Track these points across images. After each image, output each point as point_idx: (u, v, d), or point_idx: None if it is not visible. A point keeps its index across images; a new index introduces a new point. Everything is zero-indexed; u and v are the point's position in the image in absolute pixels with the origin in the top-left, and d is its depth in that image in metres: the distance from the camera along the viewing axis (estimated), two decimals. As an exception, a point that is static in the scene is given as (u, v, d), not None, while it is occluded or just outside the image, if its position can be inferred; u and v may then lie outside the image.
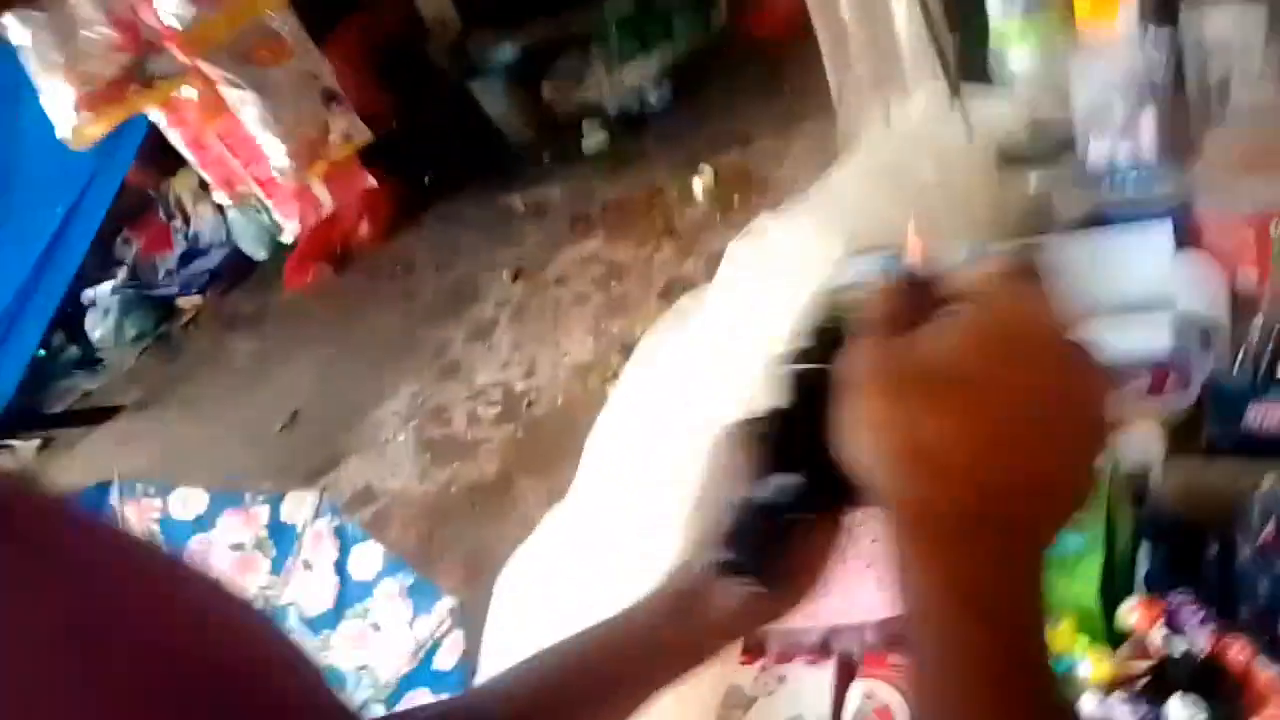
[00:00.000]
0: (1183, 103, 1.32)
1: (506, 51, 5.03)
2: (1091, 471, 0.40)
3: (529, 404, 2.96)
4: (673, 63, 4.96)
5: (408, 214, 4.63)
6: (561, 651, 0.57)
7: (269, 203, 2.47)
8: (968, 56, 1.65)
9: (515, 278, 3.60)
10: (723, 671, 1.00)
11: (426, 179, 4.88)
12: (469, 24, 5.78)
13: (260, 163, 2.41)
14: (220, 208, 5.19)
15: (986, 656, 0.38)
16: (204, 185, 5.60)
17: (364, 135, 2.57)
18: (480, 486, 2.73)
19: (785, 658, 1.00)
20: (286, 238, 2.70)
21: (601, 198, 3.85)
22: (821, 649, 1.01)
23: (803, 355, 0.45)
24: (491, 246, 3.89)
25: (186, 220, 5.62)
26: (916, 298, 0.40)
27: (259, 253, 5.05)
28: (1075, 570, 0.86)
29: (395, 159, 4.92)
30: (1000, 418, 0.36)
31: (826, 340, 0.43)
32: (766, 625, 0.55)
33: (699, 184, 3.55)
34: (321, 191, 2.49)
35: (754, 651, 1.02)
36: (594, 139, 4.46)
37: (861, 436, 0.38)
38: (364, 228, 4.60)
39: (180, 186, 5.45)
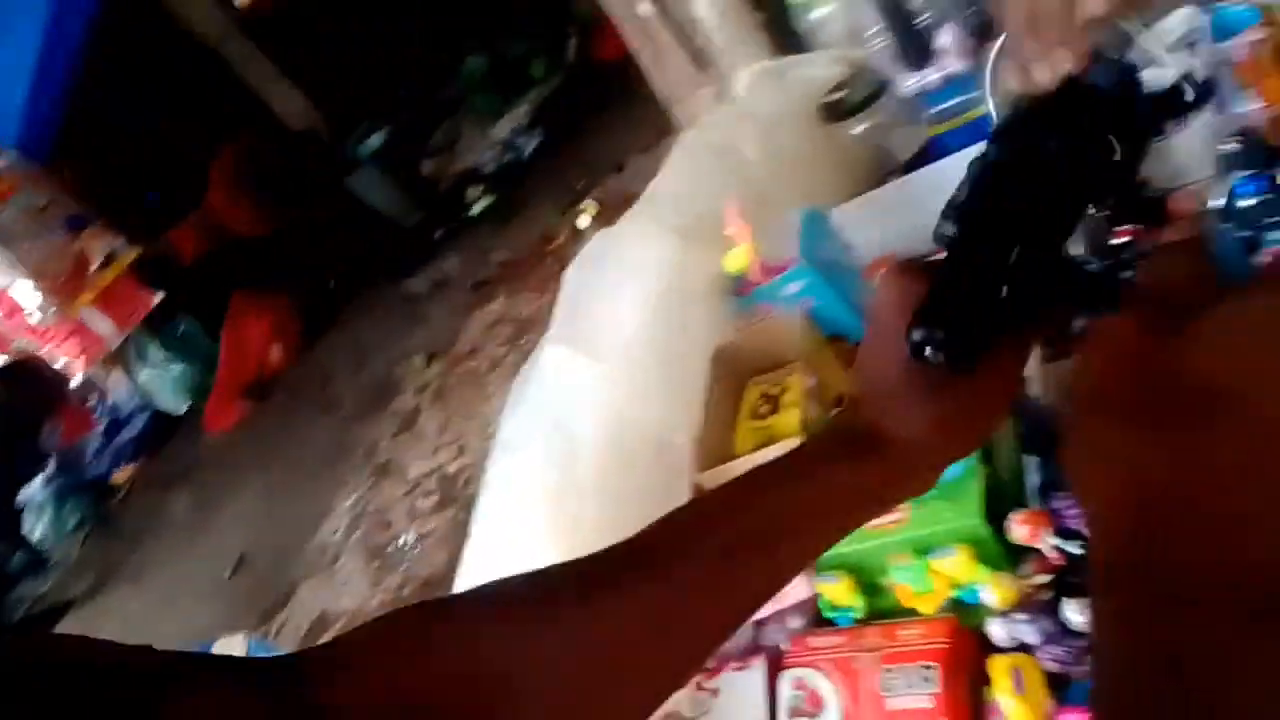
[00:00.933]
0: (978, 12, 1.33)
1: (375, 140, 5.03)
2: None
3: (465, 483, 2.91)
4: (537, 108, 4.99)
5: (318, 325, 4.58)
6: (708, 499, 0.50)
7: (45, 349, 2.37)
8: (776, 25, 1.66)
9: (429, 361, 3.56)
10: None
11: (330, 284, 4.85)
12: (335, 125, 5.79)
13: (18, 313, 2.31)
14: (130, 374, 5.09)
15: None
16: (108, 358, 5.51)
17: (129, 253, 2.48)
18: (432, 580, 2.67)
19: (715, 670, 0.96)
20: (75, 381, 2.63)
21: (496, 258, 3.83)
22: (751, 650, 0.97)
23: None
24: (401, 335, 3.85)
25: (102, 395, 5.50)
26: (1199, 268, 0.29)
27: (179, 406, 4.95)
28: (958, 498, 0.83)
29: (296, 274, 4.88)
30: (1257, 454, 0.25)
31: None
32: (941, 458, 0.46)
33: (585, 219, 3.55)
34: (101, 322, 2.42)
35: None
36: (480, 202, 4.46)
37: (1087, 464, 0.28)
38: (276, 352, 4.54)
39: (86, 363, 5.34)
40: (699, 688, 0.94)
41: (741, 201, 1.14)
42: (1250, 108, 1.05)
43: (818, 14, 1.58)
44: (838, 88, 1.44)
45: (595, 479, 1.02)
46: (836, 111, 1.43)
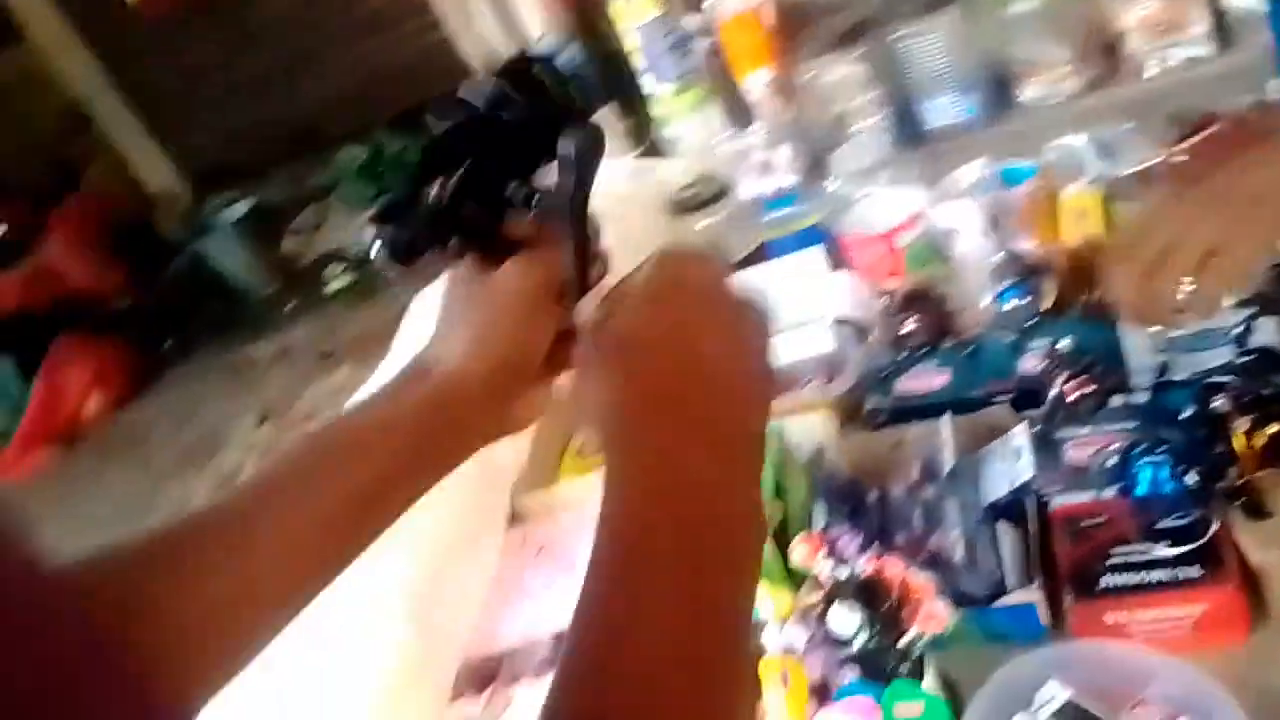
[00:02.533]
0: (807, 135, 1.52)
1: (238, 209, 4.96)
2: (766, 396, 0.49)
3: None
4: (410, 202, 5.07)
5: (143, 382, 4.37)
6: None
7: None
8: (639, 132, 1.82)
9: (261, 421, 3.46)
10: (455, 705, 0.98)
11: (165, 345, 4.66)
12: (200, 190, 5.68)
13: None
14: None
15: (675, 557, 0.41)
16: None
17: None
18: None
19: (512, 679, 0.99)
20: None
21: (347, 333, 3.80)
22: (549, 662, 1.01)
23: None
24: (235, 397, 3.73)
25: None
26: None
27: (-28, 449, 4.56)
28: (749, 525, 0.92)
29: (129, 330, 4.68)
30: (695, 347, 0.46)
31: None
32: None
33: (442, 306, 3.58)
34: None
35: (484, 679, 1.00)
36: (336, 281, 4.44)
37: (589, 391, 0.48)
38: (93, 403, 4.29)
39: None
40: (493, 693, 0.97)
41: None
42: (1025, 246, 1.25)
43: (675, 126, 1.76)
44: (688, 187, 1.60)
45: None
46: (684, 207, 1.58)
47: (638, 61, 1.70)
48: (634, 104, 1.76)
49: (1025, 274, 1.07)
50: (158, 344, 4.64)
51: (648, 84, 1.72)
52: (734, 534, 0.44)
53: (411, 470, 0.55)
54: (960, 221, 1.27)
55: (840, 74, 1.57)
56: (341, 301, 4.26)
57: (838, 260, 1.39)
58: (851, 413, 1.22)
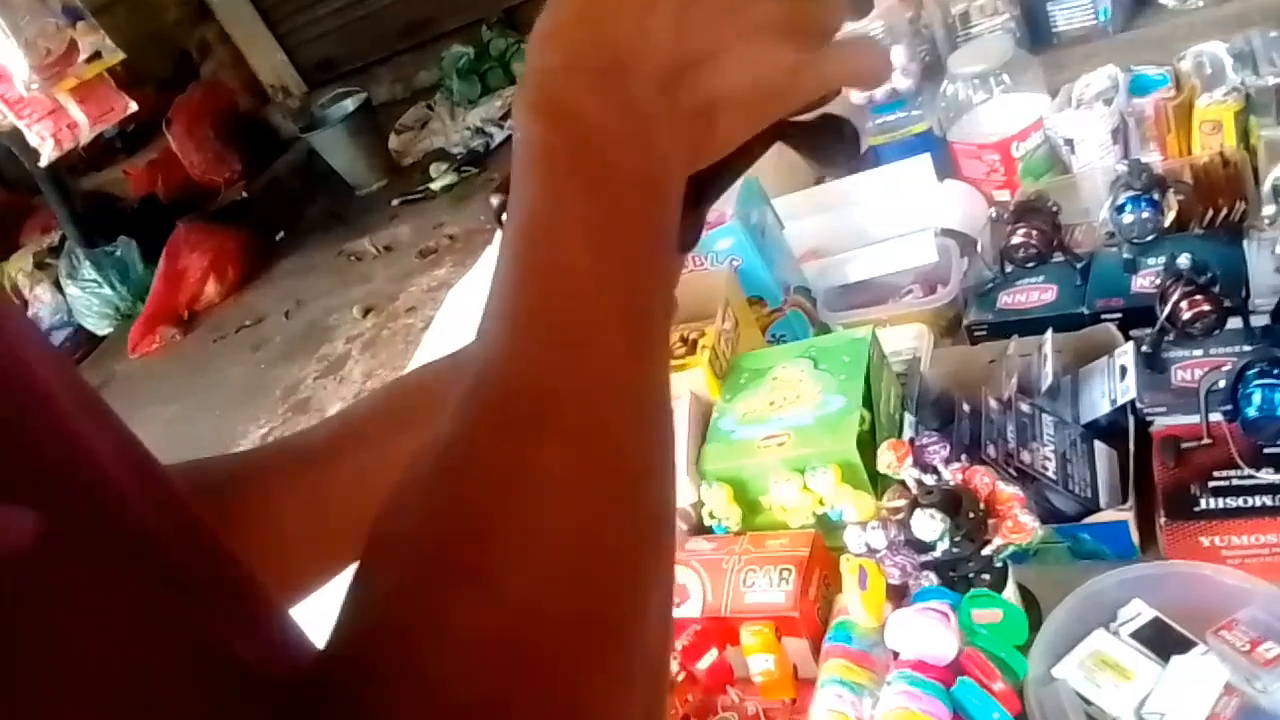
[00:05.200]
0: (925, 35, 1.45)
1: (347, 105, 5.04)
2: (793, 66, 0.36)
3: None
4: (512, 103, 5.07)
5: (257, 271, 4.56)
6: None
7: (21, 124, 2.36)
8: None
9: (365, 314, 3.58)
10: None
11: (278, 236, 4.83)
12: (311, 84, 5.79)
13: (4, 80, 2.31)
14: (59, 287, 4.98)
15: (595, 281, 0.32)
16: (40, 266, 5.38)
17: (115, 55, 2.49)
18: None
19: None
20: (44, 160, 2.60)
21: (448, 229, 3.88)
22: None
23: None
24: (341, 289, 3.87)
25: (25, 305, 5.36)
26: None
27: (102, 328, 4.86)
28: (838, 427, 0.92)
29: (245, 218, 4.86)
30: None
31: None
32: None
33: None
34: (76, 111, 2.42)
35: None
36: (442, 180, 4.50)
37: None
38: (211, 288, 4.50)
39: (14, 270, 5.20)
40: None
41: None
42: (1151, 158, 1.18)
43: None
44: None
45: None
46: (791, 111, 1.54)
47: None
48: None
49: (1149, 187, 1.01)
50: (270, 235, 4.82)
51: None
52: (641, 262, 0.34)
53: None
54: (1082, 131, 1.21)
55: (969, -30, 1.49)
56: (444, 200, 4.33)
57: (947, 169, 1.35)
58: (950, 326, 1.20)
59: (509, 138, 4.65)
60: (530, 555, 0.28)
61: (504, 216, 0.43)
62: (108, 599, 0.23)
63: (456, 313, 1.17)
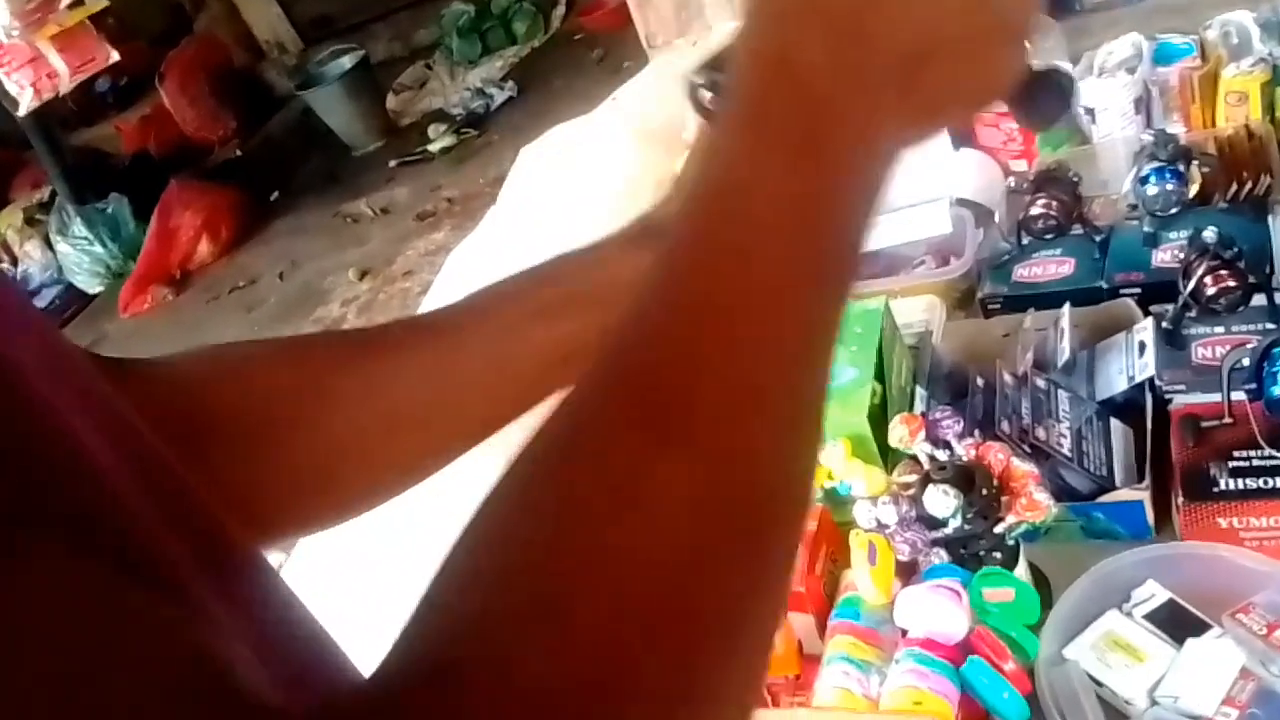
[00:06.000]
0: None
1: (344, 63, 4.96)
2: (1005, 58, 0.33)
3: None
4: (514, 64, 4.99)
5: (251, 230, 4.50)
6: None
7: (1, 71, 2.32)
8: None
9: (362, 276, 3.54)
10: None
11: (272, 196, 4.77)
12: (307, 41, 5.69)
13: None
14: (49, 243, 4.92)
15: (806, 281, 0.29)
16: (30, 222, 5.31)
17: (98, 2, 2.43)
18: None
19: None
20: (22, 109, 2.55)
21: (446, 192, 3.83)
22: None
23: None
24: (337, 251, 3.82)
25: (15, 262, 5.30)
26: None
27: (93, 286, 4.80)
28: (849, 399, 0.90)
29: (238, 177, 4.80)
30: None
31: None
32: None
33: (542, 171, 3.57)
34: (56, 59, 2.37)
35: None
36: (440, 141, 4.44)
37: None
38: (204, 247, 4.44)
39: (3, 226, 5.13)
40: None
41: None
42: (1175, 129, 1.15)
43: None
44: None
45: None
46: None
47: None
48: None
49: (1172, 158, 0.99)
50: (265, 194, 4.75)
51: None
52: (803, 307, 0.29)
53: None
54: (1105, 100, 1.17)
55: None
56: (442, 162, 4.28)
57: (963, 137, 1.32)
58: (964, 299, 1.17)
59: (510, 99, 4.59)
60: (623, 596, 0.24)
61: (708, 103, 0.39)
62: (73, 603, 0.20)
63: (455, 278, 1.14)
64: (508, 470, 0.26)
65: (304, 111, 5.06)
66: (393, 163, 4.45)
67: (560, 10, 5.17)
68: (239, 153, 5.10)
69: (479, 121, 4.52)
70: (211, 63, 5.31)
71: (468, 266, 1.15)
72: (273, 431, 0.43)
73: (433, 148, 4.40)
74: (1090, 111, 1.17)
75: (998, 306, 1.11)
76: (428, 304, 1.38)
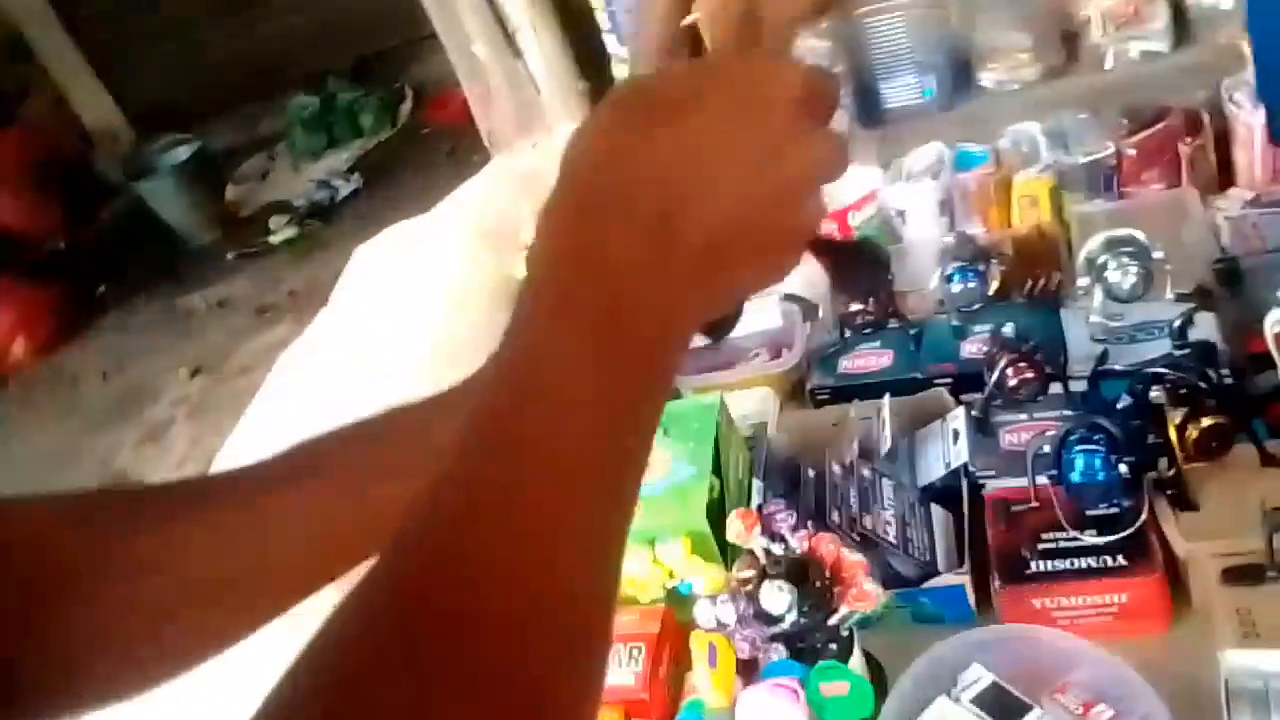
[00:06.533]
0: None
1: (181, 152, 4.80)
2: (796, 237, 0.35)
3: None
4: (360, 156, 4.95)
5: (74, 327, 4.23)
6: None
7: None
8: (597, 93, 1.78)
9: (194, 374, 3.37)
10: None
11: (99, 290, 4.51)
12: (142, 130, 5.48)
13: None
14: None
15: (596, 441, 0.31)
16: None
17: None
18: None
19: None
20: None
21: (288, 285, 3.71)
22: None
23: None
24: (168, 348, 3.63)
25: None
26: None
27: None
28: (687, 496, 0.91)
29: (62, 273, 4.51)
30: (718, 154, 0.32)
31: None
32: None
33: (389, 264, 3.52)
34: None
35: None
36: (283, 233, 4.33)
37: (577, 139, 0.33)
38: (19, 347, 4.13)
39: None
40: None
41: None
42: (976, 230, 1.24)
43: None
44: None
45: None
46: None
47: (602, 22, 1.66)
48: (601, 71, 1.72)
49: (974, 257, 1.06)
50: (91, 289, 4.49)
51: (611, 45, 1.68)
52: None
53: None
54: (913, 203, 1.26)
55: (802, 48, 1.55)
56: (284, 254, 4.16)
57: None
58: (795, 390, 1.21)
59: (355, 191, 4.54)
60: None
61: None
62: None
63: (287, 377, 1.10)
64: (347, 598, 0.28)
65: (136, 202, 4.84)
66: (231, 255, 4.29)
67: (408, 105, 5.19)
68: (64, 245, 4.81)
69: (324, 213, 4.44)
70: (36, 152, 5.03)
71: (299, 366, 1.11)
72: (42, 606, 0.40)
73: (274, 239, 4.28)
74: (901, 213, 1.26)
75: (826, 397, 1.15)
76: (256, 406, 1.32)
